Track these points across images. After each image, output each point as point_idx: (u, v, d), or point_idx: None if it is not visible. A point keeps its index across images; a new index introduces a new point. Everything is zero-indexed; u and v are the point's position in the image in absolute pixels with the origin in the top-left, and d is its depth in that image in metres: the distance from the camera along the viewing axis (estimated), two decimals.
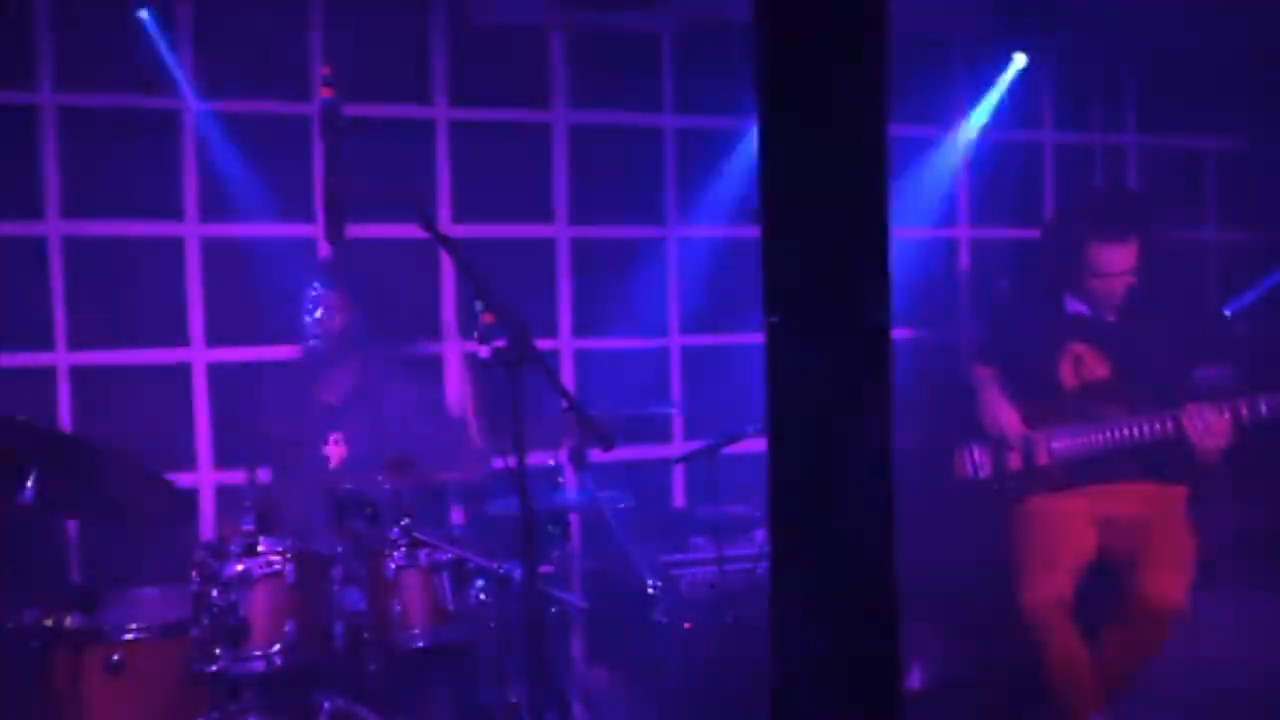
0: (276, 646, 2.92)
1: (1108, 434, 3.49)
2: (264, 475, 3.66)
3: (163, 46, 4.02)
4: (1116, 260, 3.43)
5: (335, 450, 3.78)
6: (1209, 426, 3.29)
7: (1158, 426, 3.39)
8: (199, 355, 4.18)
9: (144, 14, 3.95)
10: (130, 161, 4.06)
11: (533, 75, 4.55)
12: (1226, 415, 3.30)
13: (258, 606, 2.93)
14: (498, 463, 2.75)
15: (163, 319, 4.15)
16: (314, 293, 3.79)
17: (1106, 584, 3.42)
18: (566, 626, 4.03)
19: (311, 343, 3.78)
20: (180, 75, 4.07)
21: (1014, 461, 3.65)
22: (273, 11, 4.15)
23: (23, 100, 3.96)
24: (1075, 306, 3.64)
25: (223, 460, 4.18)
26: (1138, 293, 3.65)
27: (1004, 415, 3.62)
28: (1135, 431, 3.43)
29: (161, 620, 3.07)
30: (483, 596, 3.25)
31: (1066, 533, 3.50)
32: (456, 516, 4.35)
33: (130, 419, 4.02)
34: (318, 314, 3.75)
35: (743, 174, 4.66)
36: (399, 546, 3.14)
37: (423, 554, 3.15)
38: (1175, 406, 3.35)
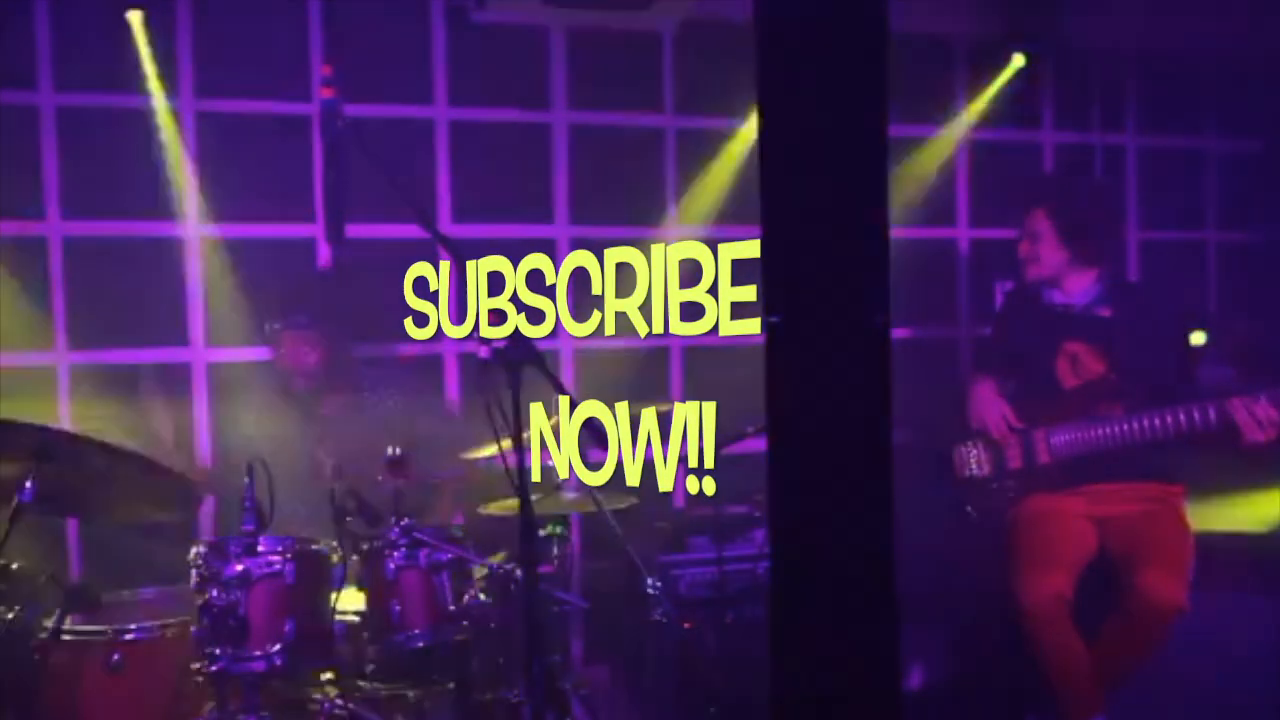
0: (276, 646, 2.92)
1: (1107, 432, 3.50)
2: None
3: (162, 47, 4.02)
4: (1026, 223, 3.75)
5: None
6: (1257, 417, 3.26)
7: (1196, 416, 3.35)
8: (199, 355, 4.18)
9: (143, 14, 3.95)
10: (130, 162, 4.05)
11: (533, 75, 4.54)
12: (1274, 407, 3.25)
13: (258, 606, 2.93)
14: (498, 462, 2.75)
15: (163, 319, 4.15)
16: (278, 334, 3.73)
17: (1106, 583, 3.42)
18: (566, 626, 4.03)
19: (298, 382, 3.71)
20: (179, 75, 4.06)
21: (1014, 460, 3.66)
22: (272, 11, 4.15)
23: (23, 100, 3.96)
24: (1051, 296, 3.70)
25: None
26: (1125, 286, 3.73)
27: (991, 416, 3.66)
28: (1168, 423, 3.37)
29: (161, 620, 3.08)
30: (483, 596, 3.24)
31: (1066, 531, 3.50)
32: (456, 517, 4.34)
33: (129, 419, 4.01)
34: (287, 357, 3.70)
35: (742, 174, 4.66)
36: (399, 546, 3.14)
37: (423, 554, 3.15)
38: (1221, 397, 3.32)
